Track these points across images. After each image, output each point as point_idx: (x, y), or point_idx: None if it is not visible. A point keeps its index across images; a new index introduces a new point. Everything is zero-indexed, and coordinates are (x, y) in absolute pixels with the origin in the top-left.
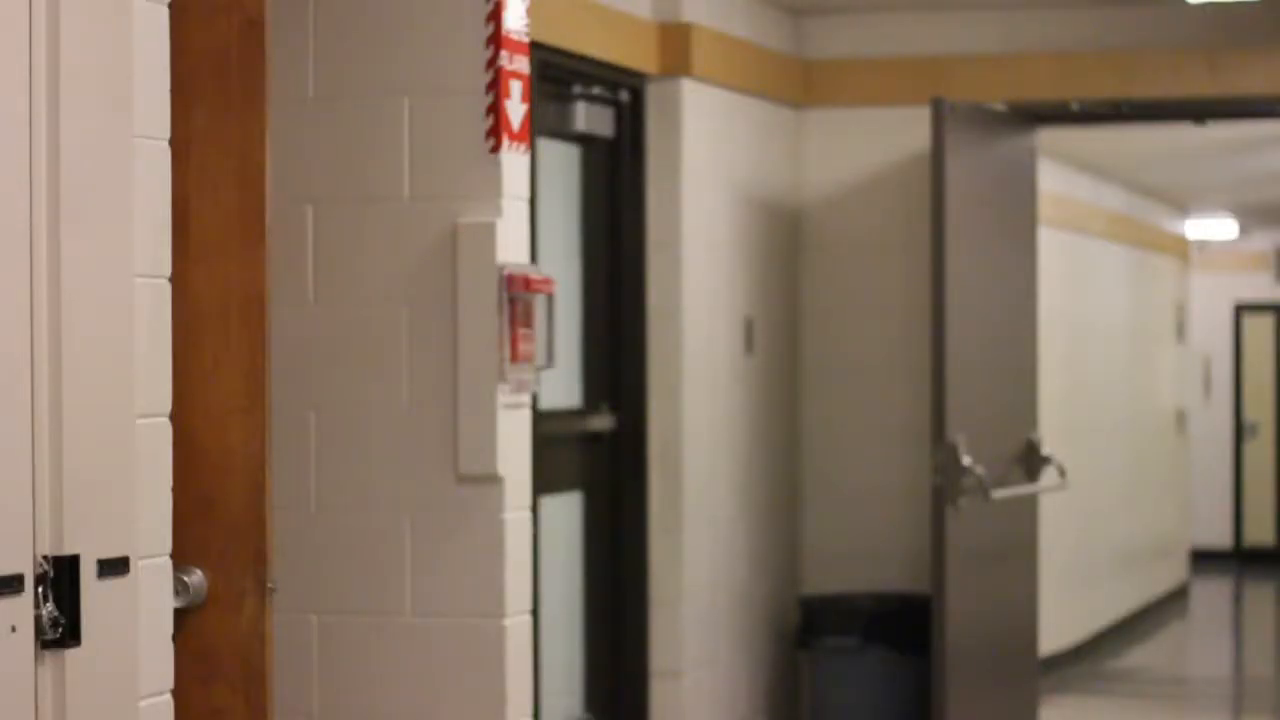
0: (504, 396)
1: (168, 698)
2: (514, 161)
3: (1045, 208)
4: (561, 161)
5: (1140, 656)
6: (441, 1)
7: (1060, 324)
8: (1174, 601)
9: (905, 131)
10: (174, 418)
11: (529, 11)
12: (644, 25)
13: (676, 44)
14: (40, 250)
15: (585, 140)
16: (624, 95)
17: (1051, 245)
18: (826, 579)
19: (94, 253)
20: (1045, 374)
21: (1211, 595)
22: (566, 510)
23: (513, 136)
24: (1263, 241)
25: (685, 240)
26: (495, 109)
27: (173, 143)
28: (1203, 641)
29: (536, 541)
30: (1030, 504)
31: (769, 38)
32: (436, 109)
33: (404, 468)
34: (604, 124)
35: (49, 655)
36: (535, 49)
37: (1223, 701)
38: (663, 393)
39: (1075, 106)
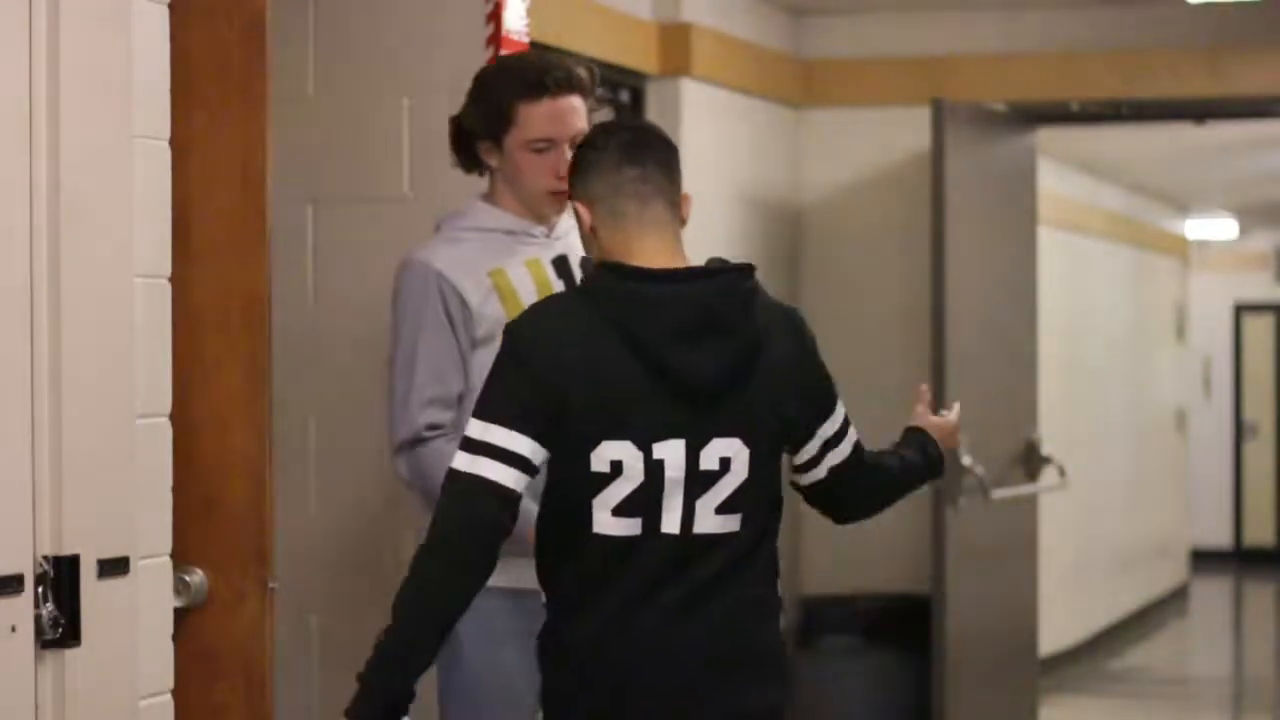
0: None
1: (168, 698)
2: None
3: (1045, 208)
4: None
5: (1140, 656)
6: (441, 1)
7: (1060, 324)
8: (1174, 601)
9: (905, 131)
10: (175, 418)
11: (529, 11)
12: (644, 25)
13: (676, 44)
14: (40, 250)
15: None
16: (624, 95)
17: (1051, 245)
18: (826, 579)
19: (94, 253)
20: (1045, 374)
21: (1211, 595)
22: None
23: None
24: (1263, 241)
25: (685, 240)
26: None
27: (174, 143)
28: (1203, 641)
29: None
30: (1030, 504)
31: (769, 38)
32: (436, 109)
33: None
34: None
35: (49, 655)
36: (535, 49)
37: (1223, 701)
38: None
39: (1075, 106)
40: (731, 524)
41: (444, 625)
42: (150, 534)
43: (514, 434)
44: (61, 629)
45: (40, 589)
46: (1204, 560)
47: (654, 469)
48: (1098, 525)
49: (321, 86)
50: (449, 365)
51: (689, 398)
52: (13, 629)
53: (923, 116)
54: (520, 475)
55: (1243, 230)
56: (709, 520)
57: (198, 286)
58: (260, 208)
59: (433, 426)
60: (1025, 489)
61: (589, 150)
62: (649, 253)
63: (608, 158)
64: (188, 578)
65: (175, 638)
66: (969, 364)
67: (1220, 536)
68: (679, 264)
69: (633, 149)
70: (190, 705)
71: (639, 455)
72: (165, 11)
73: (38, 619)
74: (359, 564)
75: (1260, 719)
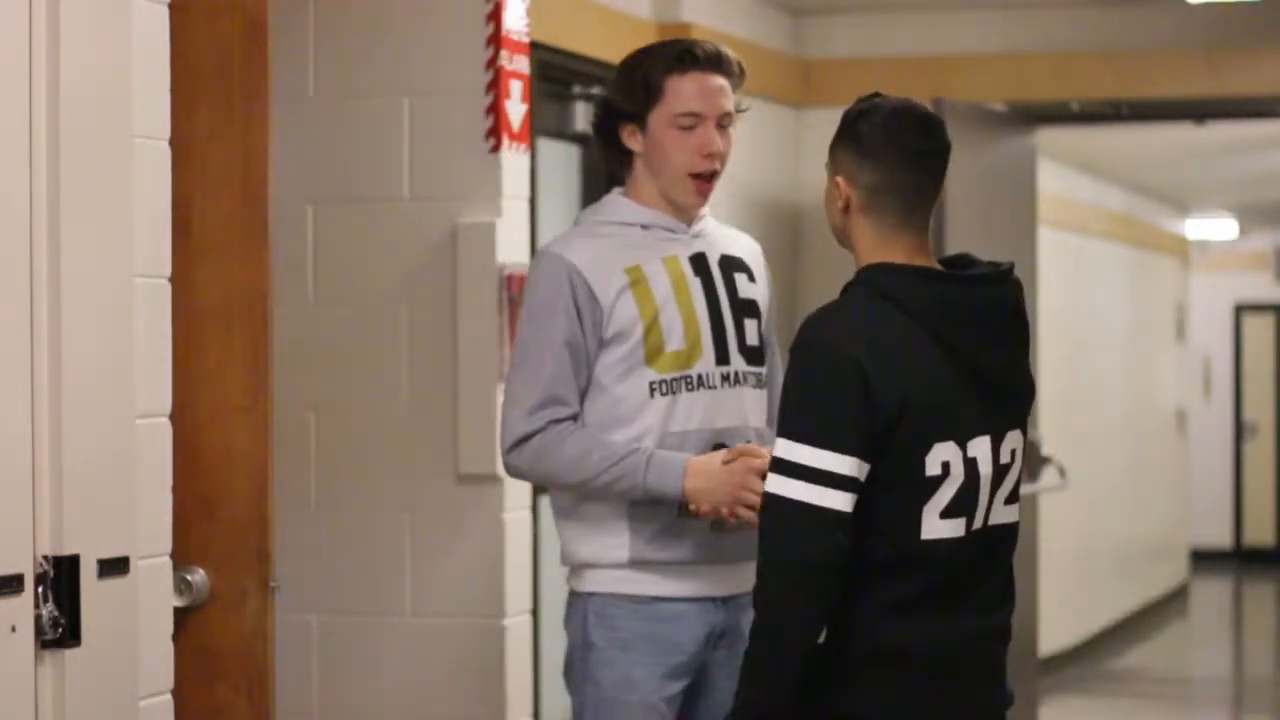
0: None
1: (168, 698)
2: (514, 161)
3: (1045, 208)
4: (561, 161)
5: (1140, 656)
6: (441, 1)
7: (1060, 324)
8: (1174, 601)
9: None
10: (176, 417)
11: (529, 11)
12: (644, 25)
13: None
14: (40, 250)
15: (585, 140)
16: None
17: (1051, 245)
18: None
19: (94, 253)
20: (1045, 374)
21: (1211, 595)
22: None
23: (513, 136)
24: (1263, 241)
25: None
26: (495, 109)
27: (175, 143)
28: (1203, 641)
29: (536, 541)
30: (1030, 504)
31: (769, 38)
32: (436, 109)
33: (404, 468)
34: None
35: (49, 655)
36: (535, 49)
37: (1223, 701)
38: None
39: (1075, 106)
40: (1014, 513)
41: (809, 646)
42: (150, 534)
43: (847, 458)
44: (61, 629)
45: (40, 589)
46: (1204, 560)
47: (971, 467)
48: (1098, 525)
49: (321, 86)
50: (573, 362)
51: (992, 395)
52: (13, 629)
53: None
54: (853, 496)
55: (1243, 230)
56: (1001, 511)
57: (198, 286)
58: (262, 208)
59: (549, 423)
60: (1025, 489)
61: (872, 133)
62: (905, 253)
63: (892, 155)
64: (189, 577)
65: (175, 638)
66: None
67: (1220, 536)
68: (931, 264)
69: (921, 158)
70: (190, 705)
71: (959, 454)
72: (165, 11)
73: (38, 619)
74: (359, 564)
75: (1260, 719)
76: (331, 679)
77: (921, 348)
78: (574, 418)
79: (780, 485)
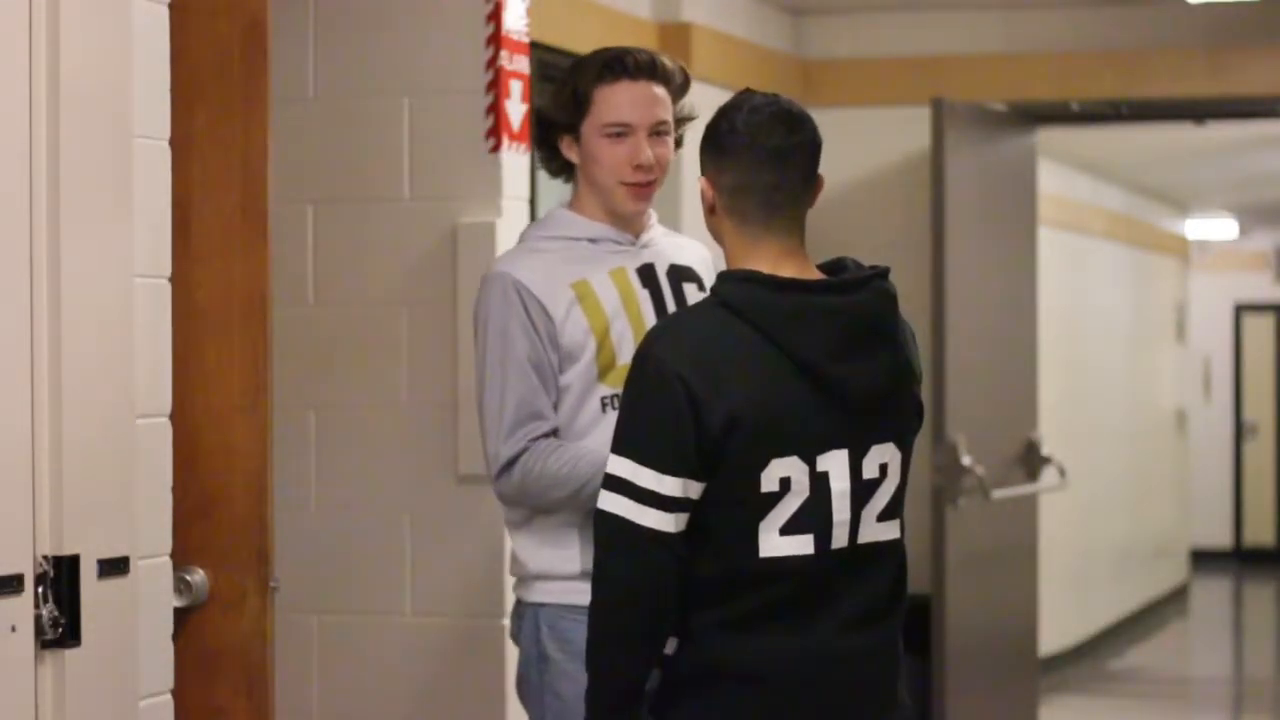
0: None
1: (168, 698)
2: (514, 161)
3: (1045, 208)
4: None
5: (1140, 656)
6: (441, 1)
7: (1060, 324)
8: (1174, 601)
9: (905, 131)
10: (176, 417)
11: (529, 11)
12: (644, 25)
13: (676, 44)
14: (40, 250)
15: None
16: None
17: (1051, 245)
18: None
19: (94, 253)
20: (1045, 374)
21: (1211, 595)
22: None
23: (513, 136)
24: (1263, 241)
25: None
26: (495, 109)
27: (175, 143)
28: (1203, 641)
29: None
30: (1030, 504)
31: (769, 38)
32: (436, 109)
33: (404, 468)
34: None
35: (49, 655)
36: (535, 49)
37: (1223, 701)
38: None
39: (1075, 106)
40: (892, 530)
41: (643, 673)
42: (150, 534)
43: (672, 478)
44: (61, 629)
45: (40, 589)
46: (1204, 560)
47: (819, 482)
48: (1098, 525)
49: (321, 86)
50: (539, 378)
51: (849, 408)
52: (13, 629)
53: (923, 116)
54: (682, 516)
55: (1243, 230)
56: (872, 529)
57: (198, 286)
58: (261, 208)
59: (530, 442)
60: (1025, 489)
61: (729, 131)
62: (772, 255)
63: (748, 153)
64: (188, 577)
65: (175, 638)
66: (969, 364)
67: (1220, 536)
68: (804, 267)
69: (778, 155)
70: (190, 705)
71: (805, 469)
72: (165, 11)
73: (38, 619)
74: (359, 564)
75: (1260, 719)
76: (331, 679)
77: (762, 360)
78: (554, 432)
79: (604, 500)
